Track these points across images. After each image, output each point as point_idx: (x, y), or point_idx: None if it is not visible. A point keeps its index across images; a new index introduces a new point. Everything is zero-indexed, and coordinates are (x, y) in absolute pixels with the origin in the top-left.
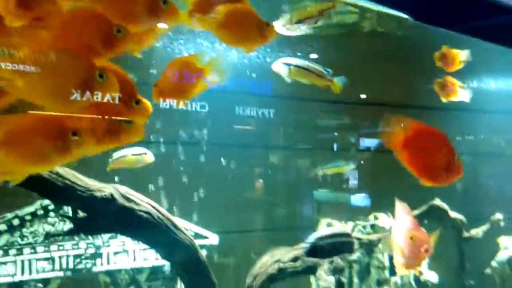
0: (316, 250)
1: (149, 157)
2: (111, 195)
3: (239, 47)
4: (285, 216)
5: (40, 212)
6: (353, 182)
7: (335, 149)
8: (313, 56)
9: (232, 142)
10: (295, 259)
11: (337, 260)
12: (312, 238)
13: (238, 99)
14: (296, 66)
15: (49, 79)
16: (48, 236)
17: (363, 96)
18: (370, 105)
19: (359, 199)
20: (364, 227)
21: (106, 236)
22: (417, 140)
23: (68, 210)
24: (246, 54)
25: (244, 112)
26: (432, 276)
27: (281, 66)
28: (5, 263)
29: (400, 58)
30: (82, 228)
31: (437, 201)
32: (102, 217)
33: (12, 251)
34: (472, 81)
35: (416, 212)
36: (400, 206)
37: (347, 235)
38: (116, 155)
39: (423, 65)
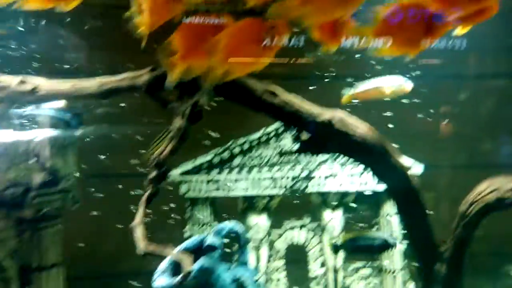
0: None
1: (407, 86)
2: (329, 120)
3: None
4: (491, 152)
5: (264, 138)
6: None
7: None
8: None
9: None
10: None
11: None
12: None
13: None
14: None
15: None
16: (281, 155)
17: None
18: None
19: None
20: None
21: (317, 161)
22: None
23: (285, 136)
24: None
25: None
26: None
27: None
28: (240, 179)
29: None
30: (305, 147)
31: None
32: (322, 139)
33: (245, 170)
34: None
35: None
36: None
37: None
38: (367, 86)
39: None
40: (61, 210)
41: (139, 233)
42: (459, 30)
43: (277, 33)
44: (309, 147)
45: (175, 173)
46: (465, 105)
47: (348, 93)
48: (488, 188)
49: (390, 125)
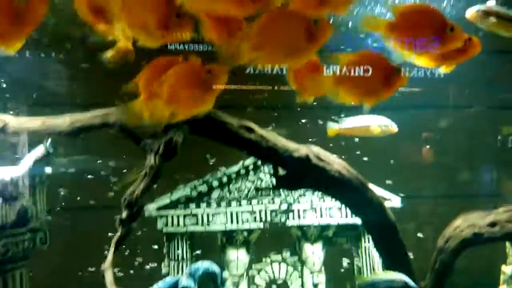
0: None
1: (394, 127)
2: (307, 155)
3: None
4: (467, 182)
5: (243, 171)
6: None
7: None
8: None
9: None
10: (492, 224)
11: None
12: None
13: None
14: (498, 15)
15: None
16: (258, 190)
17: None
18: None
19: None
20: None
21: (296, 194)
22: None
23: (264, 170)
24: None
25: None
26: None
27: (478, 14)
28: (218, 213)
29: None
30: (283, 183)
31: None
32: (298, 175)
33: (223, 204)
34: None
35: None
36: None
37: None
38: (354, 123)
39: None
40: (28, 251)
41: (109, 277)
42: (444, 68)
43: (215, 77)
44: (286, 183)
45: (151, 208)
46: (443, 134)
47: (333, 127)
48: (464, 223)
49: (375, 156)
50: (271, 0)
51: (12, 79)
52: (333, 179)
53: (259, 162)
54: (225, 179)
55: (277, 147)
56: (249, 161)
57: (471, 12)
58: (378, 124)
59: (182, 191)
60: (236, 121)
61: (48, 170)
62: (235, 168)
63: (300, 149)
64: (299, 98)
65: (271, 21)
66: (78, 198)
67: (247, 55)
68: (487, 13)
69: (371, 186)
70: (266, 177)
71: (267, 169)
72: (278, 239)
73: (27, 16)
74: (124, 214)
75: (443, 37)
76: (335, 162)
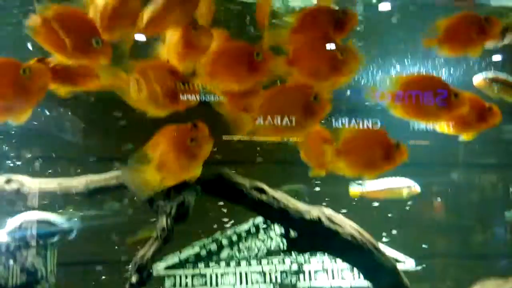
0: None
1: (417, 188)
2: (318, 217)
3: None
4: (480, 242)
5: (253, 229)
6: None
7: None
8: None
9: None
10: None
11: None
12: None
13: None
14: (504, 83)
15: None
16: (270, 252)
17: None
18: None
19: None
20: None
21: (306, 254)
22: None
23: (274, 228)
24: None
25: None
26: None
27: (485, 81)
28: (227, 273)
29: None
30: (294, 246)
31: None
32: (310, 237)
33: (232, 264)
34: None
35: None
36: None
37: None
38: (377, 185)
39: None
40: None
41: None
42: (465, 137)
43: (198, 146)
44: (298, 245)
45: (159, 267)
46: (457, 194)
47: (356, 190)
48: None
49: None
50: (270, 71)
51: (28, 131)
52: (346, 242)
53: (270, 221)
54: (235, 238)
55: (289, 209)
56: (260, 219)
57: (478, 80)
58: (402, 186)
59: (191, 250)
60: (248, 182)
61: (61, 229)
62: (245, 226)
63: (312, 211)
64: (312, 172)
65: (271, 95)
66: (89, 254)
67: (249, 126)
68: (494, 81)
69: (384, 248)
70: (276, 236)
71: (277, 227)
72: None
73: (32, 87)
74: (134, 279)
75: (448, 103)
76: (348, 225)
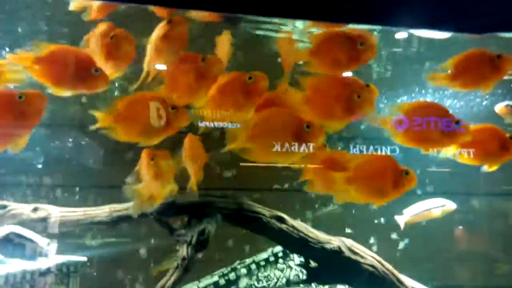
0: None
1: (451, 206)
2: (339, 247)
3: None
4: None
5: (272, 258)
6: None
7: None
8: None
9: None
10: None
11: None
12: None
13: None
14: None
15: None
16: (289, 282)
17: None
18: None
19: None
20: None
21: (326, 285)
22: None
23: (294, 258)
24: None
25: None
26: None
27: (507, 109)
28: None
29: None
30: (314, 276)
31: None
32: (330, 267)
33: None
34: None
35: None
36: None
37: None
38: (416, 210)
39: None
40: None
41: None
42: (488, 167)
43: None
44: (318, 276)
45: None
46: (479, 224)
47: (401, 221)
48: None
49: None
50: (264, 90)
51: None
52: (367, 273)
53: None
54: (253, 267)
55: (309, 238)
56: (279, 248)
57: (500, 107)
58: (437, 206)
59: (210, 279)
60: (267, 211)
61: (83, 258)
62: (264, 255)
63: (332, 241)
64: (307, 188)
65: (265, 117)
66: (110, 282)
67: (241, 144)
68: None
69: (406, 279)
70: (296, 265)
71: (297, 257)
72: None
73: (28, 112)
74: None
75: (451, 130)
76: (369, 255)
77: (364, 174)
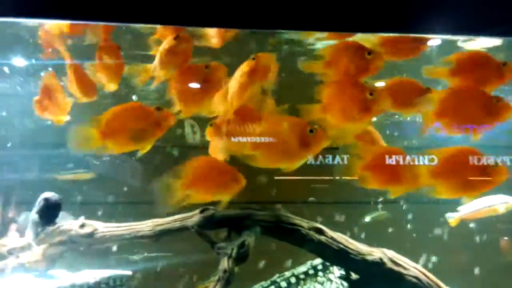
0: None
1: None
2: (380, 259)
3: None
4: None
5: (311, 271)
6: None
7: None
8: None
9: None
10: None
11: None
12: None
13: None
14: None
15: None
16: None
17: None
18: None
19: None
20: None
21: None
22: None
23: (333, 271)
24: None
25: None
26: None
27: None
28: None
29: None
30: None
31: None
32: (372, 279)
33: None
34: None
35: None
36: None
37: None
38: (475, 206)
39: None
40: None
41: None
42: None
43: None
44: None
45: None
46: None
47: (455, 217)
48: None
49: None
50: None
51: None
52: (410, 285)
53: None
54: (293, 280)
55: (349, 250)
56: (318, 260)
57: None
58: (499, 202)
59: None
60: (306, 223)
61: (128, 272)
62: (303, 268)
63: (374, 253)
64: (392, 194)
65: (270, 124)
66: None
67: (246, 151)
68: None
69: None
70: (336, 278)
71: (337, 269)
72: None
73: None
74: None
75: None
76: (412, 267)
77: (451, 168)
